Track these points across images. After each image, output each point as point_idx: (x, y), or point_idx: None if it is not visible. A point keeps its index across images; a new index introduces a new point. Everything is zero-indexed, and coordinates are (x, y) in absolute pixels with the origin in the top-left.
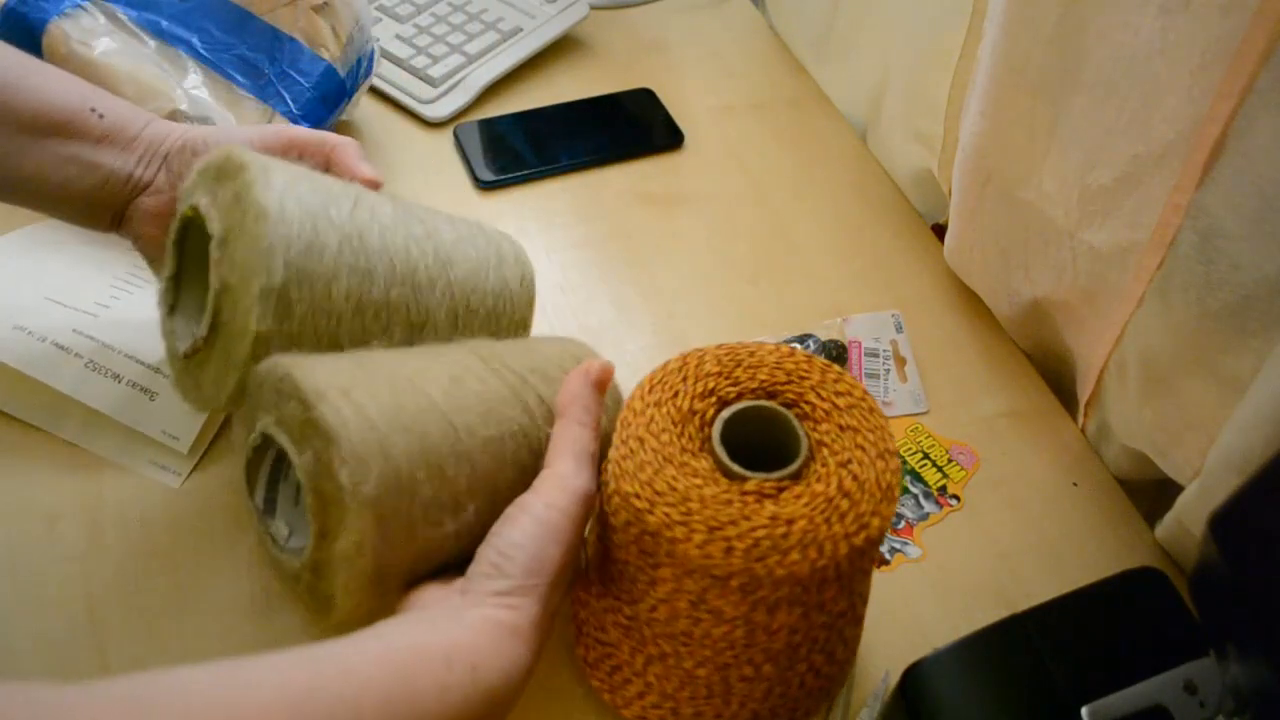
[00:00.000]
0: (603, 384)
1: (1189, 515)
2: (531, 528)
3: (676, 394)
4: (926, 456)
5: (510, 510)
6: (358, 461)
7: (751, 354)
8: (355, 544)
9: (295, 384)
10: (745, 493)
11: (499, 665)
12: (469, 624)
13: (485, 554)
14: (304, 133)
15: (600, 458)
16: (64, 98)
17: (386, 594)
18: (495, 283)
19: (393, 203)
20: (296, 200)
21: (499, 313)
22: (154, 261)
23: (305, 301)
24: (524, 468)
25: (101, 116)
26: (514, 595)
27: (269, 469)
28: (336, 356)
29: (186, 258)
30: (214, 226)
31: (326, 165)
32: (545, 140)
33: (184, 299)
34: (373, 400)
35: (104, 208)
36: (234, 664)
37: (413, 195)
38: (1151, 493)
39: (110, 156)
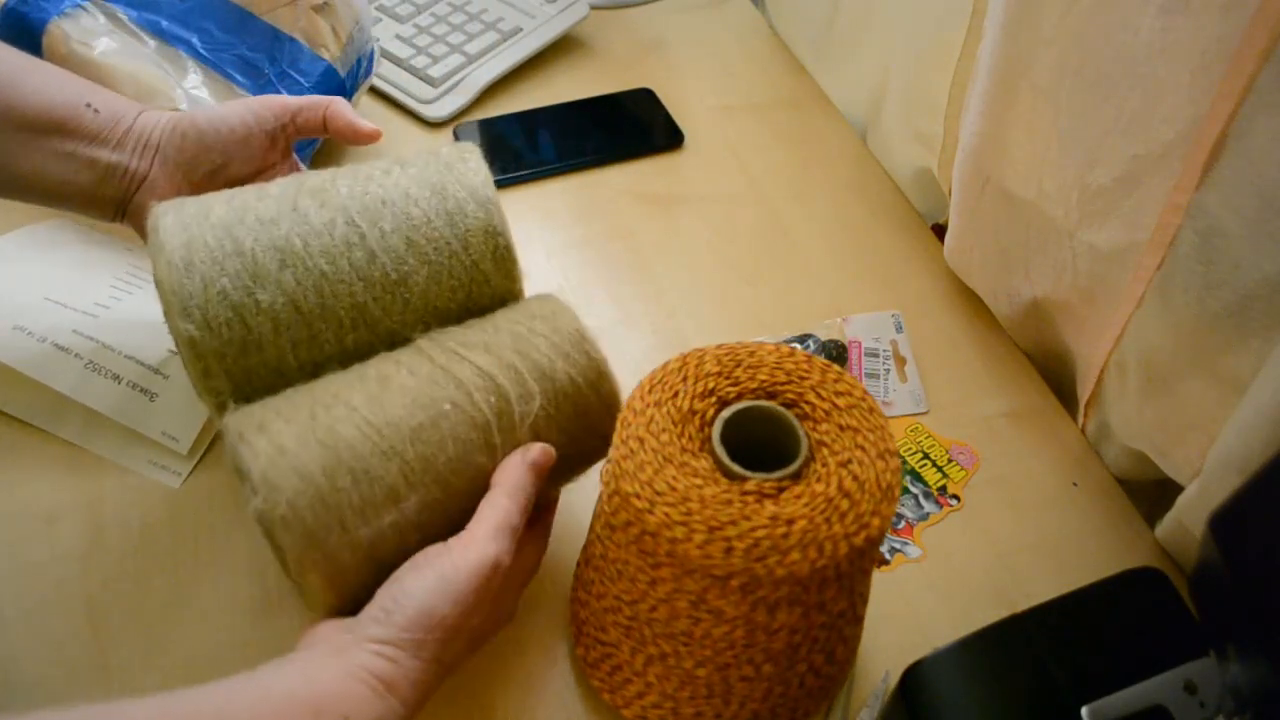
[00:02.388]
0: (540, 467)
1: (1189, 515)
2: (430, 582)
3: (676, 394)
4: (926, 456)
5: (419, 558)
6: (269, 488)
7: (751, 354)
8: (295, 560)
9: (226, 431)
10: (745, 493)
11: (371, 717)
12: (345, 672)
13: (380, 597)
14: (295, 100)
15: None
16: (61, 95)
17: (357, 586)
18: (434, 175)
19: (286, 181)
20: (182, 246)
21: (443, 189)
22: None
23: (230, 307)
24: (466, 442)
25: (96, 112)
26: (393, 646)
27: None
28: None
29: None
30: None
31: (323, 125)
32: (545, 140)
33: None
34: (287, 426)
35: (107, 201)
36: (108, 709)
37: None
38: (1151, 493)
39: (106, 151)
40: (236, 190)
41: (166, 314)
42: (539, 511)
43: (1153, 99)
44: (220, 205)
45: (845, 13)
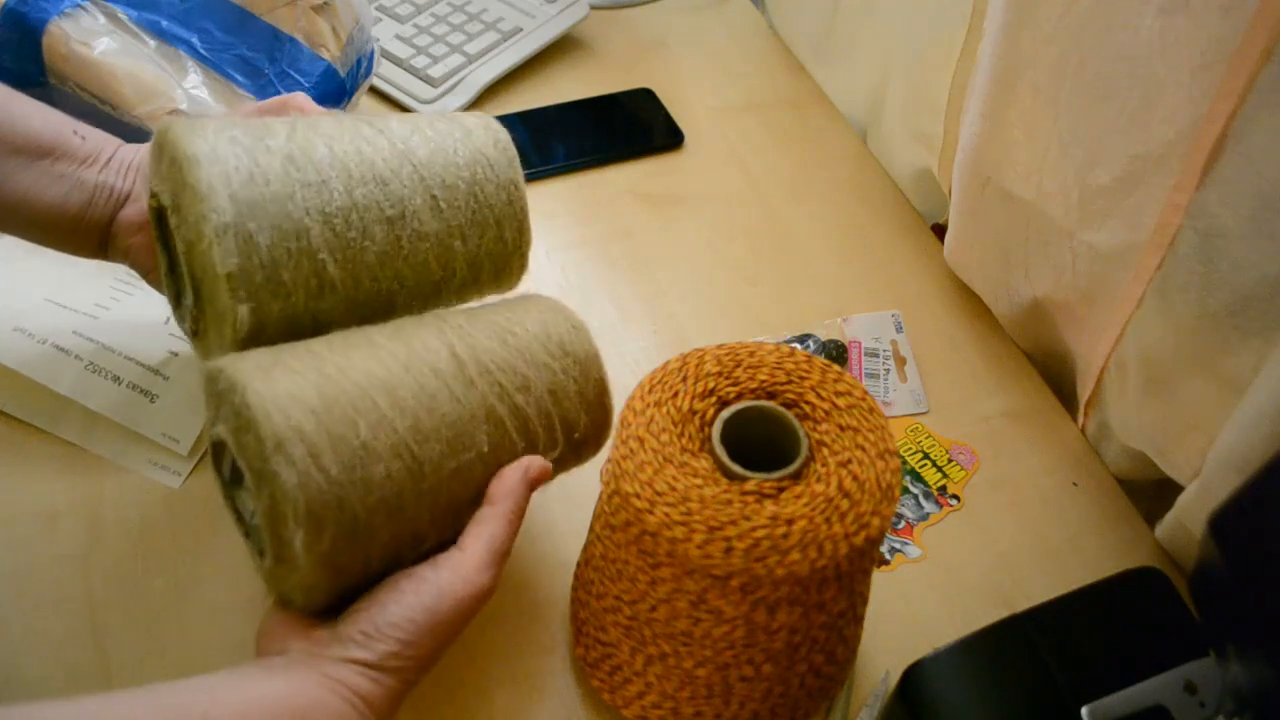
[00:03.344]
0: (537, 482)
1: (1189, 515)
2: (417, 613)
3: (676, 394)
4: (926, 456)
5: (401, 581)
6: (313, 522)
7: (751, 354)
8: (306, 588)
9: (253, 421)
10: (745, 493)
11: None
12: (329, 688)
13: (361, 620)
14: (264, 104)
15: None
16: (47, 122)
17: (342, 597)
18: (467, 153)
19: (336, 115)
20: (229, 140)
21: (480, 181)
22: (148, 274)
23: (266, 230)
24: (485, 482)
25: (84, 139)
26: (376, 669)
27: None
28: (294, 364)
29: (173, 249)
30: (165, 197)
31: None
32: (545, 140)
33: (183, 286)
34: (331, 448)
35: (94, 223)
36: (89, 702)
37: None
38: (1151, 493)
39: (93, 173)
40: (259, 122)
41: (202, 246)
42: None
43: (1153, 99)
44: (276, 134)
45: (845, 13)
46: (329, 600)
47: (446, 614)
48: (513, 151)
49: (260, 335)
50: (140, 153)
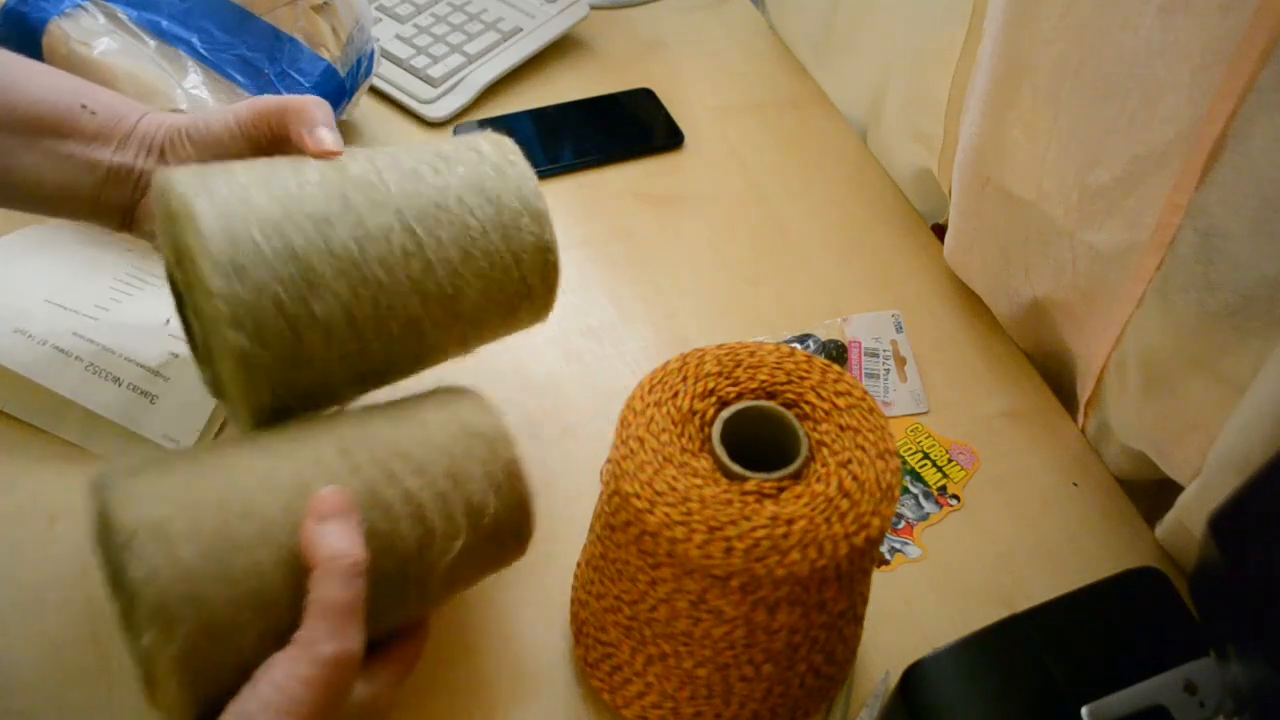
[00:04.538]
0: (337, 510)
1: (1189, 515)
2: (269, 698)
3: (676, 394)
4: (926, 456)
5: (262, 668)
6: (164, 622)
7: (751, 354)
8: (169, 702)
9: (106, 515)
10: (745, 493)
11: None
12: None
13: (226, 716)
14: (266, 102)
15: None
16: (54, 96)
17: (225, 685)
18: (486, 180)
19: (324, 166)
20: (229, 196)
21: (497, 199)
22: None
23: (270, 304)
24: (381, 580)
25: (94, 113)
26: None
27: None
28: (174, 463)
29: (182, 296)
30: (168, 251)
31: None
32: (546, 140)
33: (196, 339)
34: (189, 539)
35: (113, 206)
36: None
37: None
38: (1151, 493)
39: (107, 153)
40: (266, 166)
41: (208, 321)
42: (409, 632)
43: (1153, 99)
44: (259, 191)
45: (845, 13)
46: (199, 709)
47: (295, 694)
48: (524, 168)
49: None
50: (164, 131)
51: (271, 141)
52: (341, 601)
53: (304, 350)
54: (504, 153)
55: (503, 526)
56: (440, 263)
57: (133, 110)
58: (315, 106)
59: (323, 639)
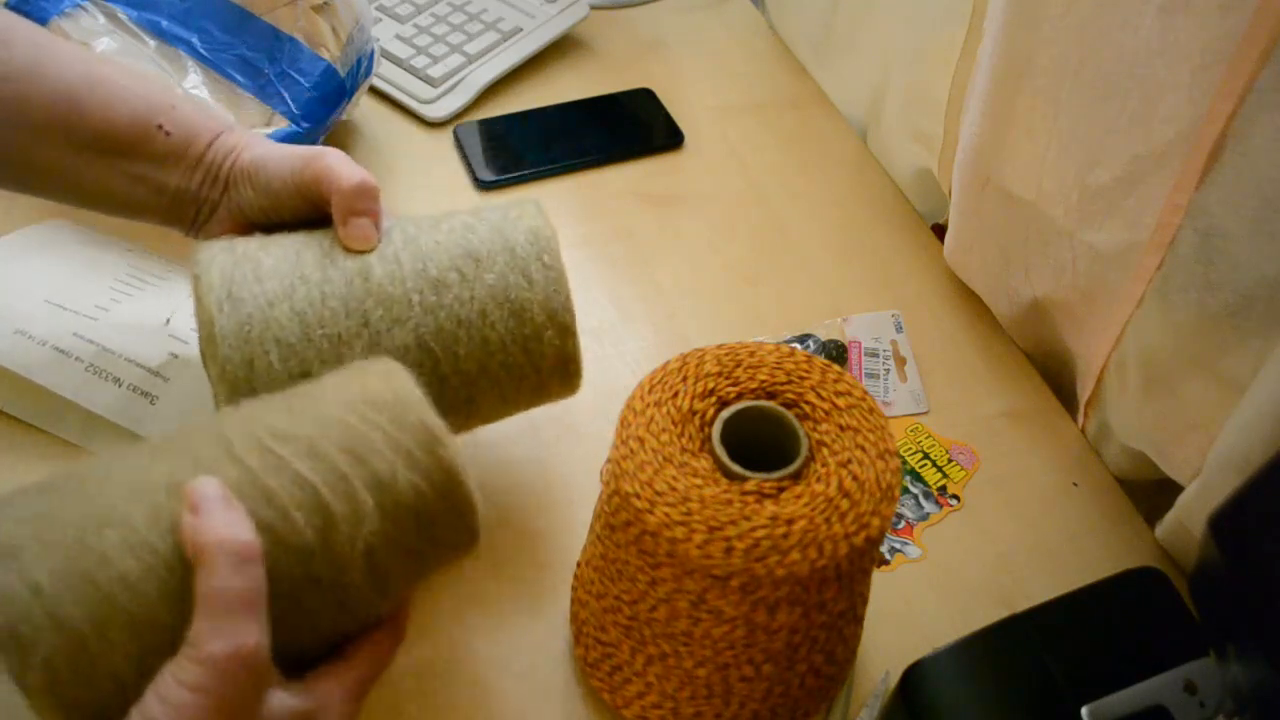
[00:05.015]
0: (203, 501)
1: (1189, 515)
2: (154, 712)
3: (676, 394)
4: (926, 456)
5: (149, 685)
6: (19, 648)
7: (751, 354)
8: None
9: None
10: (745, 493)
11: None
12: None
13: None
14: (323, 166)
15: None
16: (131, 116)
17: (112, 709)
18: (513, 288)
19: (351, 269)
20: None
21: (521, 311)
22: None
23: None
24: (283, 578)
25: (168, 134)
26: None
27: None
28: (42, 489)
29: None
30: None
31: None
32: (545, 140)
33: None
34: (43, 557)
35: (180, 218)
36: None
37: (413, 195)
38: (1151, 493)
39: (176, 176)
40: (296, 264)
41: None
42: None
43: (1153, 99)
44: (281, 305)
45: (845, 13)
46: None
47: (188, 703)
48: (552, 246)
49: None
50: (231, 165)
51: (324, 201)
52: (230, 592)
53: None
54: (539, 250)
55: (428, 503)
56: (455, 375)
57: (206, 129)
58: (358, 196)
59: (209, 637)
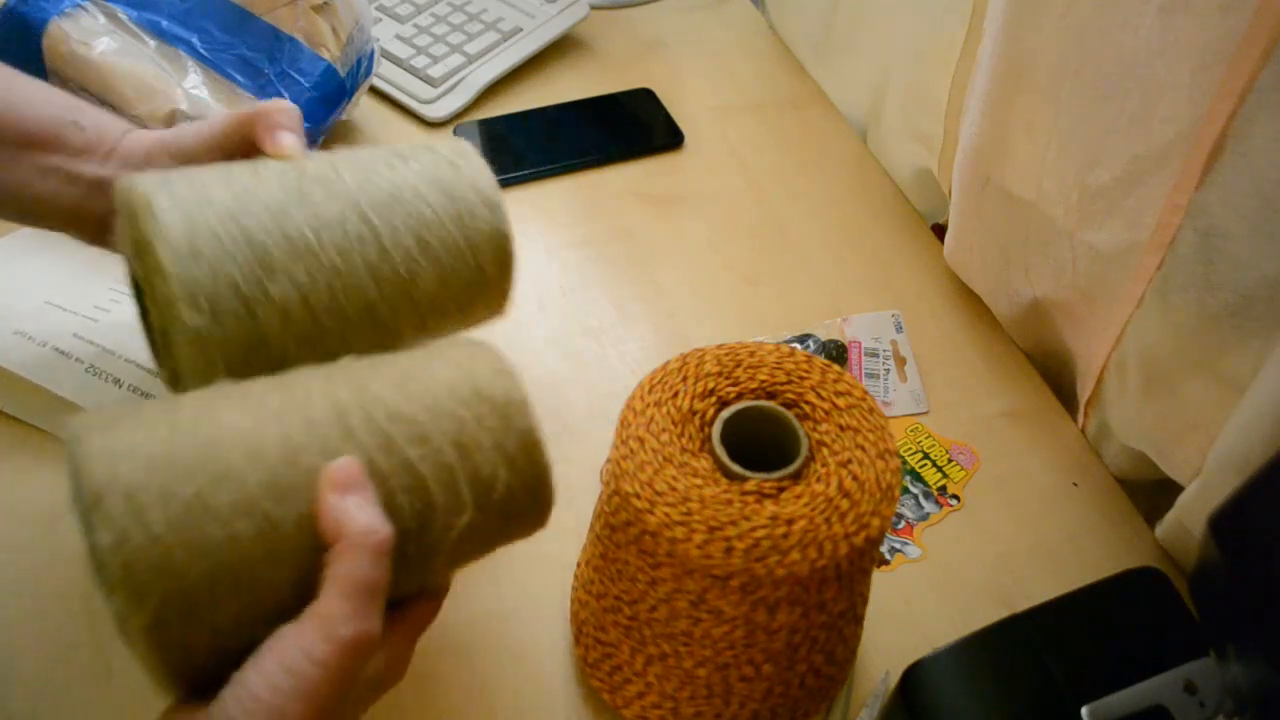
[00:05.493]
0: (349, 484)
1: (1189, 515)
2: (280, 680)
3: (676, 394)
4: (926, 456)
5: (270, 642)
6: (131, 591)
7: (751, 354)
8: (147, 668)
9: (76, 475)
10: (745, 493)
11: None
12: None
13: (226, 698)
14: (239, 113)
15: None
16: (46, 111)
17: (204, 657)
18: (441, 173)
19: (283, 166)
20: (186, 194)
21: (452, 189)
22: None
23: (225, 287)
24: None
25: (83, 129)
26: None
27: None
28: (145, 415)
29: (145, 303)
30: (128, 249)
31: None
32: (545, 140)
33: (156, 341)
34: (161, 504)
35: (91, 217)
36: None
37: None
38: (1151, 493)
39: (92, 167)
40: (226, 167)
41: (165, 304)
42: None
43: (1153, 99)
44: (217, 187)
45: (845, 13)
46: (182, 681)
47: (312, 678)
48: (476, 161)
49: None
50: (146, 145)
51: (244, 151)
52: (369, 581)
53: (260, 332)
54: (459, 150)
55: (516, 500)
56: (395, 248)
57: (117, 126)
58: (279, 112)
59: (343, 619)
